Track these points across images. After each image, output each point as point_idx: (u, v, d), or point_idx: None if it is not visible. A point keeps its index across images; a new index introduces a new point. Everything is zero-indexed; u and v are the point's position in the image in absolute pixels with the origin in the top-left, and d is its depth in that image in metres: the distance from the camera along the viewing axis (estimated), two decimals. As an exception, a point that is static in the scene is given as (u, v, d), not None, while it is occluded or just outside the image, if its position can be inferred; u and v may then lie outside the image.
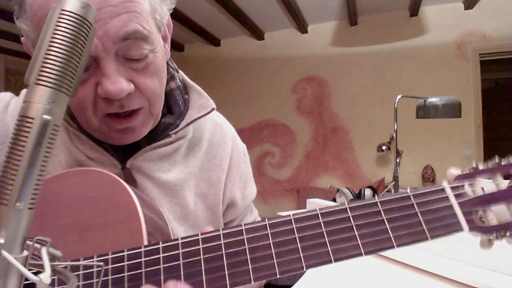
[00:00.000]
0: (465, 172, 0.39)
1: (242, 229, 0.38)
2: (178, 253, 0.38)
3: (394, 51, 3.46)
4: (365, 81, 3.57)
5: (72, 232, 0.42)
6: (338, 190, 3.22)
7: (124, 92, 0.43)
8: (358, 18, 3.55)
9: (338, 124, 3.71)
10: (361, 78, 3.59)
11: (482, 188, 0.37)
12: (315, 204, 1.47)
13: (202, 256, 0.37)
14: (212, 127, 0.64)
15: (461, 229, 0.36)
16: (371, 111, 3.55)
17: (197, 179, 0.59)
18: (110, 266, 0.38)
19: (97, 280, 0.37)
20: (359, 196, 2.97)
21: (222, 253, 0.37)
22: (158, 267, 0.37)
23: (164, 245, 0.38)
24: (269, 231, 0.37)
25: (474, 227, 0.36)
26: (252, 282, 0.36)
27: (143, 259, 0.38)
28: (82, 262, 0.39)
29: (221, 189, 0.62)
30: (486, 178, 0.38)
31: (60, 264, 0.26)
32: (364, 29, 3.58)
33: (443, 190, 0.38)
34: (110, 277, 0.37)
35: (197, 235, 0.39)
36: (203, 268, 0.37)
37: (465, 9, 3.20)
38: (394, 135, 1.89)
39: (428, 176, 3.23)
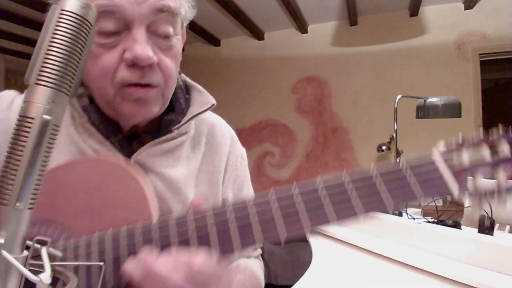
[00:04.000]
0: (452, 142, 0.41)
1: (249, 203, 0.40)
2: (186, 229, 0.39)
3: (394, 51, 3.46)
4: (365, 81, 3.57)
5: (83, 214, 0.44)
6: (338, 190, 3.22)
7: (151, 59, 0.46)
8: (358, 18, 3.55)
9: (338, 124, 3.70)
10: (361, 78, 3.59)
11: (469, 156, 0.39)
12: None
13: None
14: (210, 129, 0.65)
15: (451, 189, 0.38)
16: (371, 111, 3.55)
17: (197, 180, 0.60)
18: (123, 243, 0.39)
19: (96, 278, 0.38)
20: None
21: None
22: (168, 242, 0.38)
23: (172, 222, 0.40)
24: (275, 197, 0.40)
25: (463, 189, 0.38)
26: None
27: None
28: (82, 263, 0.39)
29: (219, 191, 0.62)
30: (472, 148, 0.40)
31: (60, 264, 0.26)
32: (364, 29, 3.58)
33: (431, 156, 0.40)
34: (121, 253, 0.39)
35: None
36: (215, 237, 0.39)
37: (465, 9, 3.20)
38: (394, 135, 1.89)
39: (428, 176, 3.23)
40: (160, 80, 0.49)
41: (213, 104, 0.59)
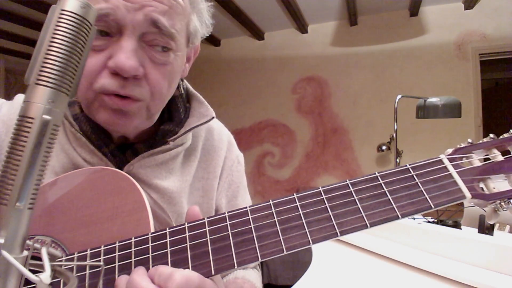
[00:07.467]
0: (461, 146, 0.40)
1: (247, 210, 0.39)
2: (185, 236, 0.38)
3: (394, 51, 3.45)
4: (365, 81, 3.57)
5: (80, 226, 0.43)
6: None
7: (134, 70, 0.42)
8: (358, 18, 3.55)
9: (338, 124, 3.70)
10: (361, 78, 3.59)
11: (479, 160, 0.38)
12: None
13: (208, 238, 0.38)
14: (208, 134, 0.63)
15: (463, 196, 0.36)
16: (371, 111, 3.55)
17: (191, 188, 0.58)
18: (117, 254, 0.38)
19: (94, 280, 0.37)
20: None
21: (229, 233, 0.38)
22: (165, 250, 0.38)
23: (170, 230, 0.39)
24: (273, 210, 0.38)
25: (476, 194, 0.36)
26: (259, 260, 0.36)
27: (150, 244, 0.38)
28: (82, 263, 0.39)
29: (214, 197, 0.61)
30: (482, 152, 0.39)
31: (60, 264, 0.26)
32: (364, 29, 3.58)
33: (440, 161, 0.39)
34: (117, 263, 0.38)
35: (203, 218, 0.39)
36: (210, 249, 0.37)
37: (465, 9, 3.20)
38: (394, 135, 1.88)
39: (428, 176, 3.22)
40: (145, 94, 0.45)
41: (212, 117, 0.57)
